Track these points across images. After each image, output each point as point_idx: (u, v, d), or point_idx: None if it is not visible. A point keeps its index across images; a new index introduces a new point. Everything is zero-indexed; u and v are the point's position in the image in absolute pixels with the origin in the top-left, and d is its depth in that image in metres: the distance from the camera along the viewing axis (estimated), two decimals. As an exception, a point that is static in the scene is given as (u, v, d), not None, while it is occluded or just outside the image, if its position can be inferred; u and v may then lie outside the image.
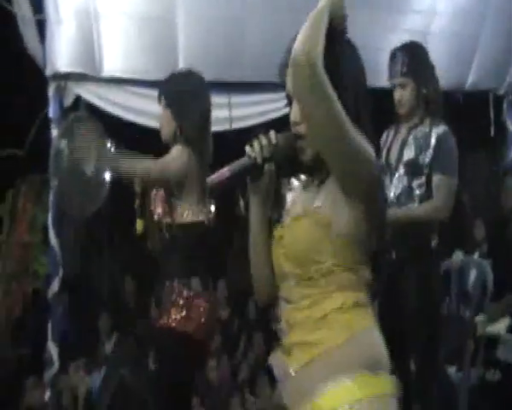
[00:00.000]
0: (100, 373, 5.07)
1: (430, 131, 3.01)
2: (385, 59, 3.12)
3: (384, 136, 3.14)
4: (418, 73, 3.03)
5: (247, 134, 1.58)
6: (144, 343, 4.89)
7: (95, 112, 4.49)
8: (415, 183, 3.00)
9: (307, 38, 1.39)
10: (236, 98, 4.72)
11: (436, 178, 2.97)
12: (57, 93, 4.48)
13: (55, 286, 4.50)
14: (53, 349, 4.41)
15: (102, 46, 4.43)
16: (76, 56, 4.43)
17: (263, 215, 1.59)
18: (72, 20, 4.31)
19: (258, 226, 1.59)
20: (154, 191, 2.82)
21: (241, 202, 2.60)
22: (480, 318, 4.04)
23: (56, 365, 4.42)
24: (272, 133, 1.51)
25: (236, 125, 4.72)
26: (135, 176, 2.71)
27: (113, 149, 2.65)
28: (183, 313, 2.70)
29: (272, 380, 4.50)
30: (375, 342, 1.51)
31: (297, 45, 1.39)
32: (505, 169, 5.03)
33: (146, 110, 4.39)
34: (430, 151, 2.99)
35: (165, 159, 2.74)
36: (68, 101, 4.51)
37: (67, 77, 4.47)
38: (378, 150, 1.58)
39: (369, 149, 1.46)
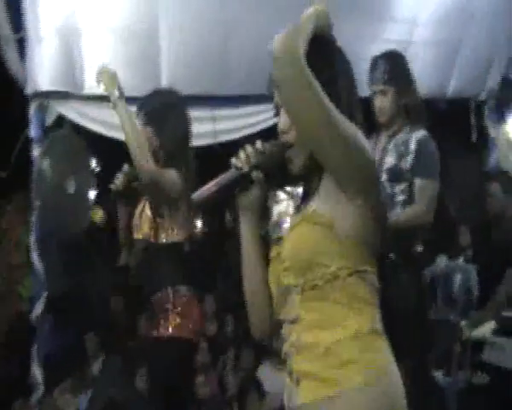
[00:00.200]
0: (87, 395, 4.99)
1: (410, 136, 3.03)
2: (366, 69, 3.11)
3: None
4: (399, 81, 3.05)
5: (233, 147, 1.56)
6: (133, 361, 4.83)
7: (77, 130, 4.46)
8: (397, 188, 3.01)
9: (287, 36, 1.40)
10: (220, 111, 4.71)
11: (418, 182, 2.98)
12: (39, 112, 4.43)
13: (38, 309, 4.45)
14: (38, 372, 4.36)
15: (84, 63, 4.40)
16: (57, 74, 4.39)
17: (255, 228, 1.55)
18: (53, 38, 4.28)
19: (250, 238, 1.55)
20: (139, 209, 2.80)
21: (228, 216, 2.60)
22: (465, 322, 4.06)
23: (42, 387, 4.36)
24: (258, 142, 1.49)
25: (221, 138, 4.71)
26: (164, 185, 2.67)
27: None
28: (181, 319, 2.70)
29: (261, 395, 4.48)
30: (393, 389, 1.43)
31: (276, 42, 1.39)
32: (487, 174, 5.06)
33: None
34: (411, 156, 3.00)
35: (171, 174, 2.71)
36: (50, 119, 4.46)
37: (49, 95, 4.43)
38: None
39: (362, 136, 1.43)
